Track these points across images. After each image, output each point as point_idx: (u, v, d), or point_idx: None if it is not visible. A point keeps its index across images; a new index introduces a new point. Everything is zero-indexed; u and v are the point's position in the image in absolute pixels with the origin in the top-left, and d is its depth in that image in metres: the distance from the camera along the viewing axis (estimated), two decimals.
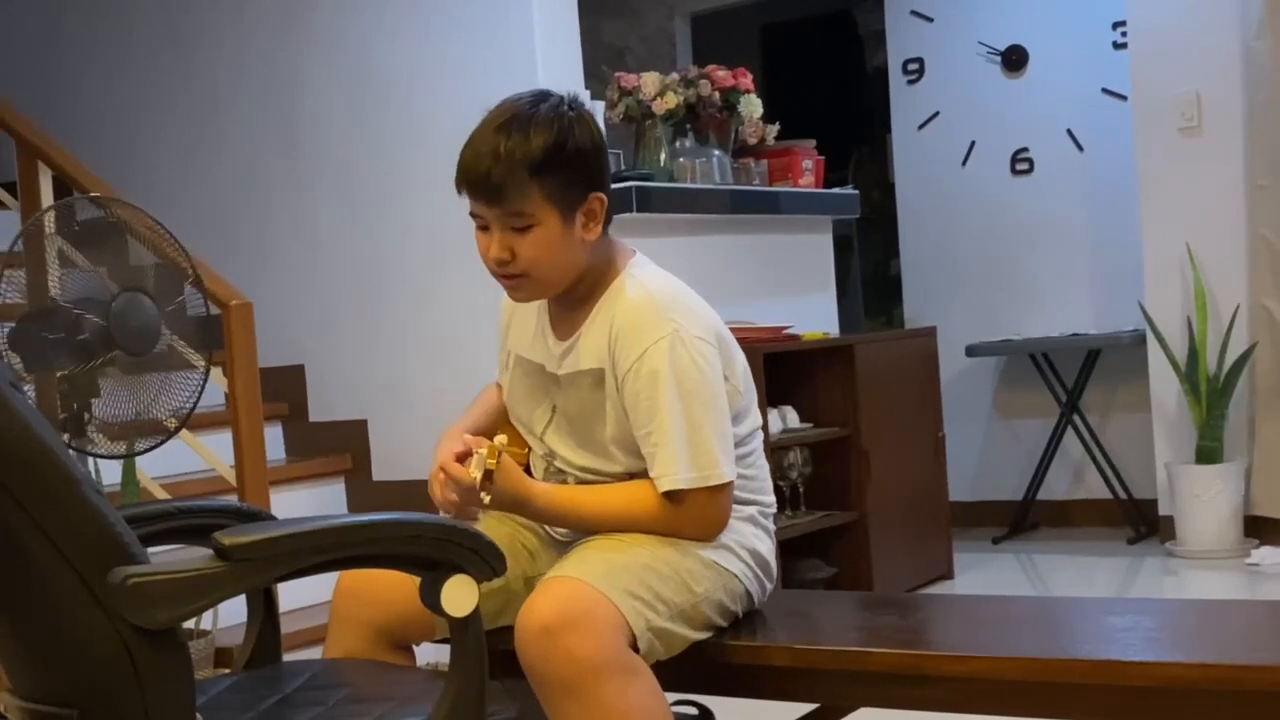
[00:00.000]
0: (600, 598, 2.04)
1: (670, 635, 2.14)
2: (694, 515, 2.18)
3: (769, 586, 2.36)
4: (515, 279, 2.22)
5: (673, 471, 2.15)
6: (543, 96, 2.20)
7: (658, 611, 2.11)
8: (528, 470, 2.32)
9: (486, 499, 2.11)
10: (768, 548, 2.34)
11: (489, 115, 2.19)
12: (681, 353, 2.16)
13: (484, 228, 2.20)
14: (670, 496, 2.17)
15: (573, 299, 2.27)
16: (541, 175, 2.13)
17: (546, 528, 2.36)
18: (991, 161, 6.51)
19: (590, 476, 2.28)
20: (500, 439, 2.14)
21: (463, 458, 2.19)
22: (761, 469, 2.36)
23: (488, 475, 2.10)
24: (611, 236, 2.29)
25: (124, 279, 2.64)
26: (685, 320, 2.20)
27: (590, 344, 2.24)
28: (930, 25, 6.64)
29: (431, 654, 2.65)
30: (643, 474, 2.21)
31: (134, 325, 2.61)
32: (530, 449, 2.39)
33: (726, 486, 2.20)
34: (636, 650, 2.08)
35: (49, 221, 2.60)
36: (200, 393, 2.92)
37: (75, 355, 2.58)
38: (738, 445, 2.26)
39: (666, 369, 2.15)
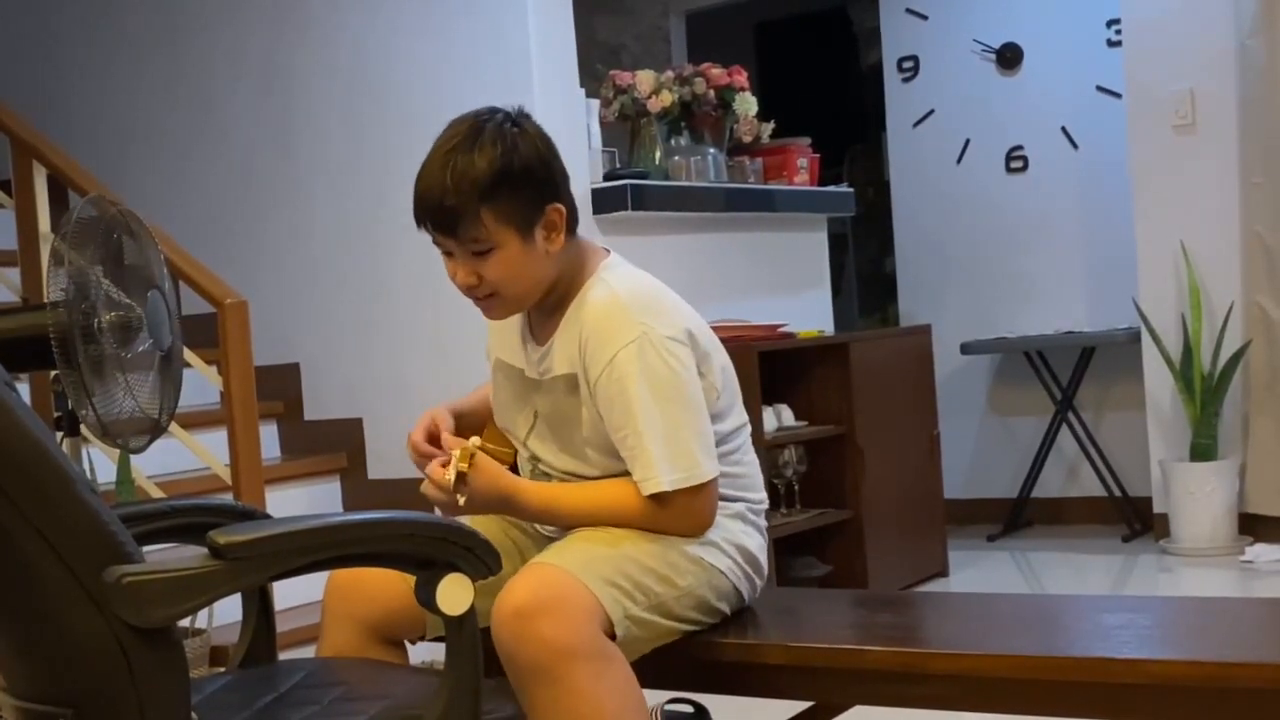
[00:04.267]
0: (576, 583, 2.05)
1: (650, 625, 2.15)
2: (678, 515, 2.19)
3: (759, 584, 2.36)
4: (487, 300, 2.23)
5: (654, 474, 2.15)
6: (487, 116, 2.19)
7: (636, 601, 2.12)
8: (515, 471, 2.33)
9: (461, 500, 2.12)
10: (757, 544, 2.34)
11: (436, 143, 2.19)
12: (651, 354, 2.16)
13: (449, 253, 2.22)
14: (654, 498, 2.17)
15: (548, 305, 2.28)
16: (492, 199, 2.13)
17: (538, 526, 2.36)
18: (986, 159, 6.52)
19: (573, 480, 2.29)
20: (474, 440, 2.15)
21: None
22: (750, 465, 2.35)
23: (460, 478, 2.10)
24: (582, 239, 2.29)
25: (129, 277, 2.64)
26: (654, 321, 2.19)
27: (562, 349, 2.25)
28: (925, 23, 6.65)
29: (427, 652, 2.65)
30: (621, 475, 2.21)
31: (159, 322, 2.62)
32: (516, 451, 2.39)
33: (709, 484, 2.20)
34: (614, 639, 2.08)
35: (68, 224, 2.60)
36: (179, 387, 2.91)
37: (98, 353, 2.58)
38: (722, 443, 2.26)
39: (637, 372, 2.15)
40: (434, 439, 2.33)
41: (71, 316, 2.52)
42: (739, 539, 2.29)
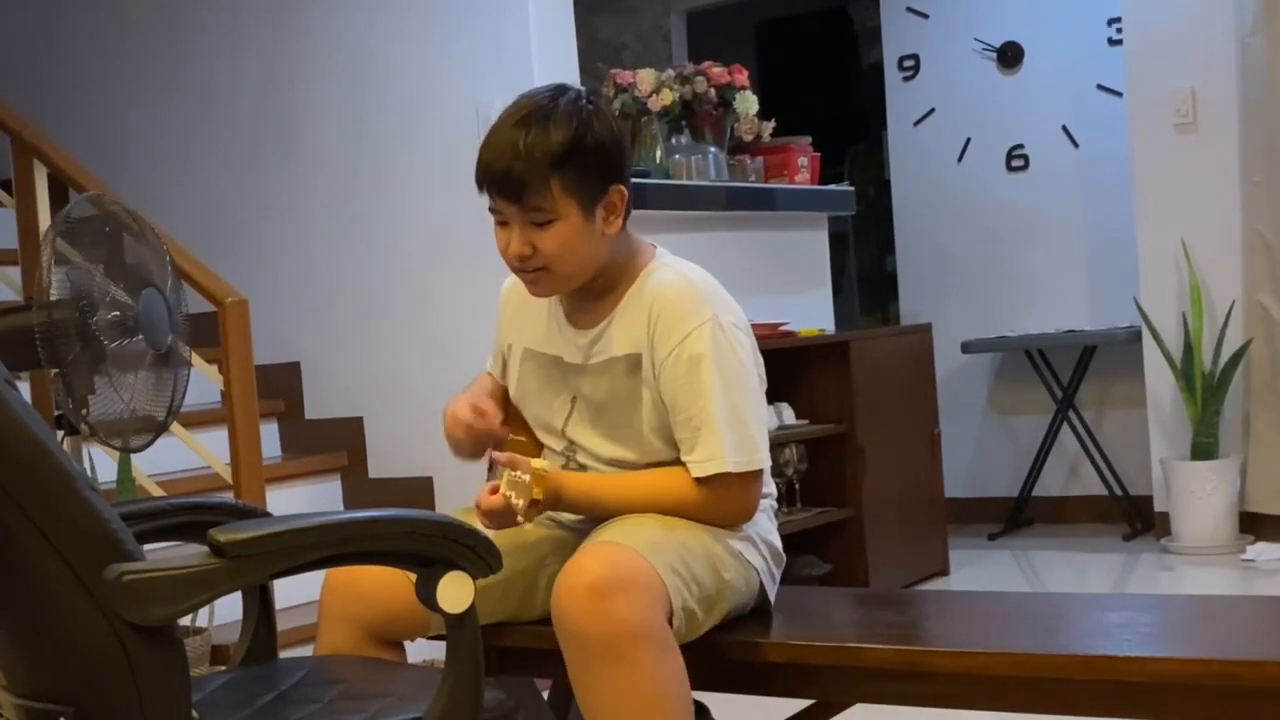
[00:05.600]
0: (647, 566, 2.05)
1: (693, 619, 2.15)
2: (729, 500, 2.19)
3: (777, 582, 2.37)
4: (536, 273, 2.22)
5: (717, 455, 2.16)
6: (560, 91, 2.20)
7: (691, 591, 2.12)
8: None
9: (527, 526, 2.12)
10: (779, 543, 2.36)
11: (507, 111, 2.19)
12: (721, 338, 2.18)
13: (503, 223, 2.20)
14: (709, 481, 2.17)
15: (593, 291, 2.27)
16: (561, 170, 2.13)
17: (554, 521, 2.35)
18: (987, 158, 6.51)
19: (616, 469, 2.28)
20: (540, 462, 2.14)
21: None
22: (769, 463, 2.37)
23: (533, 504, 2.10)
24: (630, 231, 2.29)
25: (128, 276, 2.64)
26: (722, 308, 2.22)
27: (623, 330, 2.24)
28: (926, 22, 6.64)
29: (428, 650, 2.65)
30: (670, 463, 2.22)
31: (156, 321, 2.62)
32: (542, 446, 2.38)
33: (760, 474, 2.22)
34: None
35: (60, 223, 2.60)
36: (185, 386, 2.91)
37: (95, 354, 2.58)
38: None
39: (709, 354, 2.16)
40: (478, 415, 2.32)
41: (52, 316, 2.51)
42: (769, 537, 2.31)
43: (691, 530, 2.17)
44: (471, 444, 2.34)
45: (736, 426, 2.16)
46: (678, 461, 2.21)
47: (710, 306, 2.20)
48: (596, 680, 1.99)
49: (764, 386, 2.32)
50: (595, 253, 2.21)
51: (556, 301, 2.34)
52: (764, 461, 2.20)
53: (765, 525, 2.31)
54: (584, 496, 2.22)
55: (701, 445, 2.17)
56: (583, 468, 2.31)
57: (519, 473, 2.11)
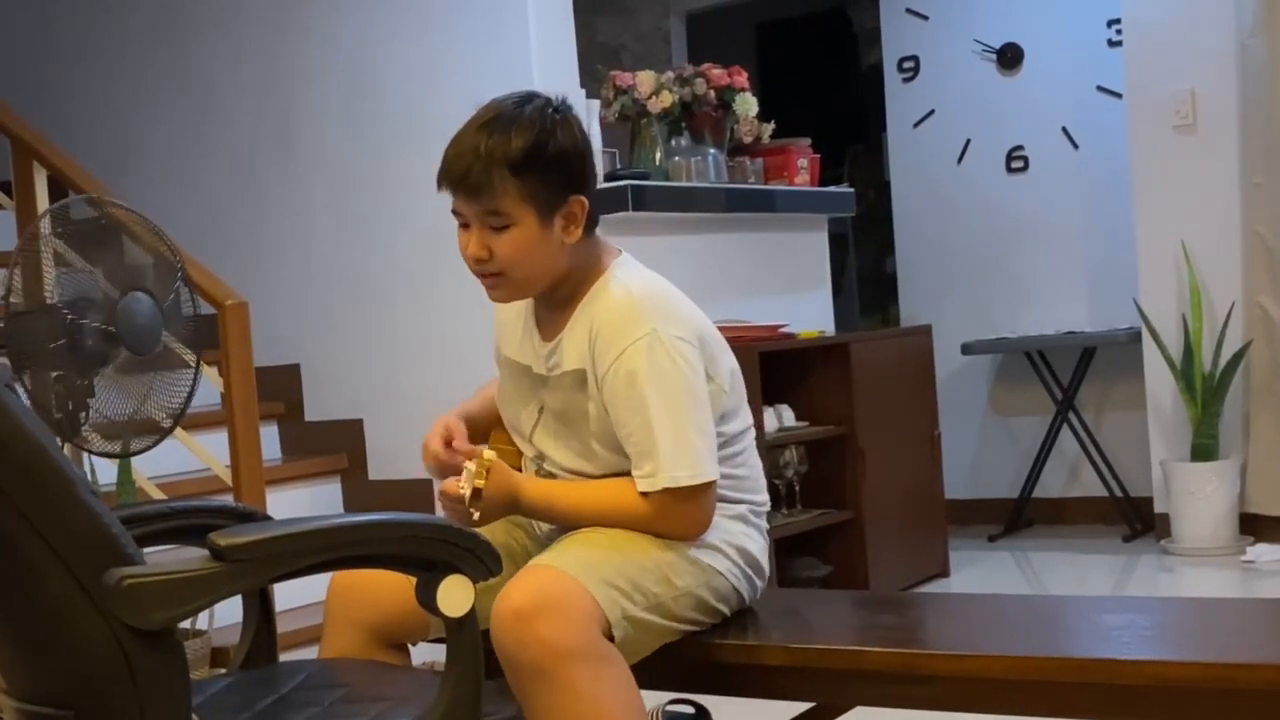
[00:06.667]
0: (574, 585, 2.05)
1: (647, 626, 2.15)
2: (675, 515, 2.18)
3: (760, 585, 2.36)
4: (492, 277, 2.23)
5: (653, 472, 2.16)
6: (529, 98, 2.22)
7: (634, 601, 2.12)
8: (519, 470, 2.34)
9: (476, 515, 2.13)
10: (759, 546, 2.34)
11: (475, 114, 2.21)
12: (660, 352, 2.16)
13: (465, 225, 2.22)
14: (653, 497, 2.17)
15: (556, 300, 2.28)
16: (520, 175, 2.14)
17: (537, 527, 2.36)
18: (987, 159, 6.51)
19: (578, 478, 2.28)
20: (489, 453, 2.15)
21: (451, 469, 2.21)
22: (753, 468, 2.36)
23: (476, 493, 2.11)
24: (598, 237, 2.29)
25: (121, 278, 2.64)
26: (664, 320, 2.19)
27: (572, 345, 2.25)
28: (925, 23, 6.65)
29: (428, 653, 2.65)
30: (624, 474, 2.22)
31: (139, 324, 2.61)
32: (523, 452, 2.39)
33: (708, 486, 2.19)
34: (612, 640, 2.08)
35: (44, 225, 2.60)
36: (193, 390, 2.91)
37: (80, 356, 2.58)
38: (727, 444, 2.26)
39: (645, 369, 2.15)
40: (450, 446, 2.34)
41: (15, 326, 2.50)
42: (740, 541, 2.29)
43: (637, 541, 2.17)
44: (440, 473, 2.33)
45: (677, 441, 2.15)
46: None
47: (649, 321, 2.18)
48: (536, 703, 2.00)
49: (737, 395, 2.30)
50: (551, 261, 2.21)
51: (531, 310, 2.35)
52: (706, 475, 2.17)
53: (737, 530, 2.29)
54: (540, 501, 2.24)
55: (640, 462, 2.17)
56: (550, 475, 2.32)
57: (470, 461, 2.13)
